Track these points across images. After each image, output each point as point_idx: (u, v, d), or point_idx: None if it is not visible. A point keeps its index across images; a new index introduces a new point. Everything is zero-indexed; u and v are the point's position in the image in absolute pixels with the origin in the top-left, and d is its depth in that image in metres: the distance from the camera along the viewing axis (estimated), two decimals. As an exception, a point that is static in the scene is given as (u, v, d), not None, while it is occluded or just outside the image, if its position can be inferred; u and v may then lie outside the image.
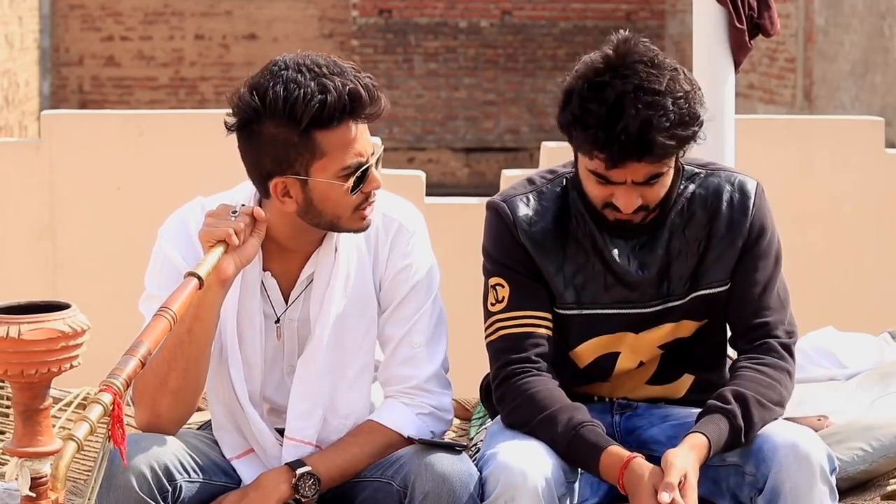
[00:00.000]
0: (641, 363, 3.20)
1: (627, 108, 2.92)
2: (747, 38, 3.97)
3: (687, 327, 3.18)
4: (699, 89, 3.04)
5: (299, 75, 2.92)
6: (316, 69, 2.94)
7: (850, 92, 13.24)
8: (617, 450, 2.95)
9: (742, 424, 2.97)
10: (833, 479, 2.95)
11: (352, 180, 2.97)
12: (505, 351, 3.11)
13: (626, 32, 3.05)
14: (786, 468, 2.91)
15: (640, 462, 2.92)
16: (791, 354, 3.14)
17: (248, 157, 3.00)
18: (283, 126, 2.93)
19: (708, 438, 2.94)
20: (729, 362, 3.27)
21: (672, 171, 3.06)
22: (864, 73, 13.01)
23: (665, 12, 17.68)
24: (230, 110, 2.99)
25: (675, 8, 17.35)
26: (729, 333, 3.23)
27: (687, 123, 2.97)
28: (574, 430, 2.97)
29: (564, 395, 3.06)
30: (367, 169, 2.99)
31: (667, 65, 3.00)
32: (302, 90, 2.91)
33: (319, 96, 2.91)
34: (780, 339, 3.13)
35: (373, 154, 3.01)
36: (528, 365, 3.08)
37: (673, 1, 17.46)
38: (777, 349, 3.12)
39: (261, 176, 3.00)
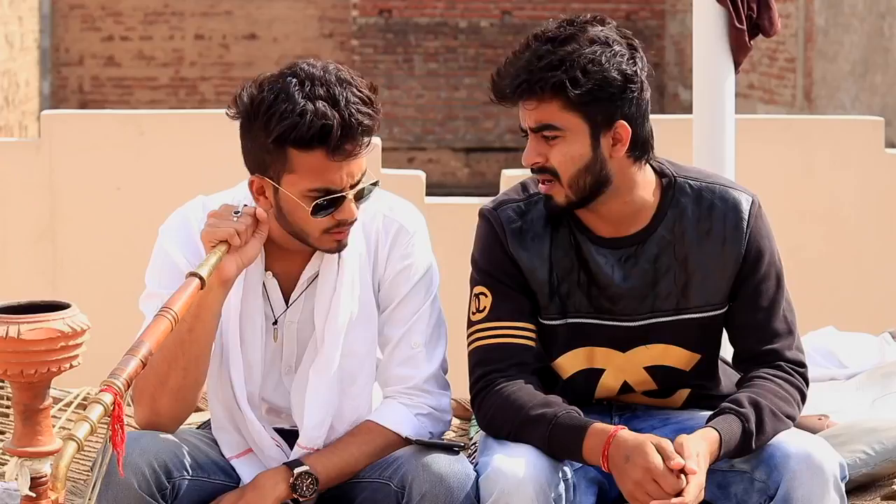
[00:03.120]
0: (626, 384, 3.16)
1: (525, 46, 3.01)
2: (747, 38, 3.97)
3: (677, 356, 3.13)
4: (622, 74, 2.97)
5: (298, 89, 2.92)
6: (320, 88, 2.92)
7: (850, 92, 13.24)
8: (600, 426, 2.91)
9: (754, 430, 2.94)
10: (843, 487, 2.94)
11: (313, 205, 2.95)
12: (481, 363, 3.09)
13: (608, 20, 3.07)
14: (799, 476, 2.89)
15: (627, 432, 2.89)
16: (804, 379, 3.10)
17: (242, 148, 3.03)
18: (261, 132, 2.94)
19: (720, 434, 2.91)
20: (725, 373, 3.25)
21: (579, 143, 3.00)
22: (864, 73, 13.01)
23: (665, 12, 17.68)
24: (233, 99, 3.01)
25: (675, 8, 17.35)
26: (730, 352, 3.20)
27: (556, 67, 2.95)
28: (551, 421, 2.95)
29: (538, 392, 3.02)
30: (338, 198, 2.96)
31: (601, 38, 2.99)
32: (286, 105, 2.90)
33: (294, 117, 2.90)
34: (791, 363, 3.09)
35: (355, 185, 2.97)
36: (502, 375, 3.05)
37: (673, 1, 17.46)
38: (790, 371, 3.08)
39: (248, 168, 3.03)
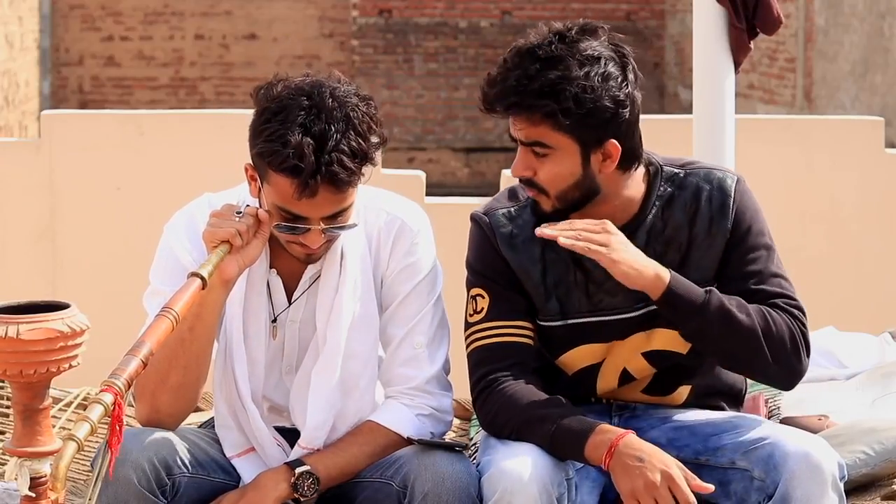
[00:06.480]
0: (627, 373, 3.17)
1: (515, 61, 2.98)
2: (747, 38, 3.97)
3: (673, 338, 3.12)
4: (614, 101, 2.97)
5: (300, 112, 2.90)
6: (319, 123, 2.90)
7: (850, 92, 13.24)
8: (607, 426, 2.93)
9: (710, 297, 2.98)
10: (842, 487, 2.94)
11: (276, 221, 2.96)
12: (482, 362, 3.09)
13: (600, 27, 3.08)
14: (798, 475, 2.89)
15: (633, 437, 2.90)
16: (799, 320, 3.06)
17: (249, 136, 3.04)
18: (252, 138, 2.97)
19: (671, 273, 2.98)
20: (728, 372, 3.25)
21: (569, 162, 2.99)
22: (864, 73, 13.01)
23: (665, 12, 17.68)
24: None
25: (675, 8, 17.35)
26: None
27: (547, 95, 2.93)
28: (556, 421, 2.95)
29: (541, 392, 3.03)
30: (301, 227, 2.95)
31: (593, 56, 2.99)
32: (278, 127, 2.90)
33: (276, 144, 2.90)
34: (784, 298, 3.07)
35: (329, 218, 2.95)
36: (503, 374, 3.06)
37: (673, 1, 17.46)
38: (782, 306, 3.05)
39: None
